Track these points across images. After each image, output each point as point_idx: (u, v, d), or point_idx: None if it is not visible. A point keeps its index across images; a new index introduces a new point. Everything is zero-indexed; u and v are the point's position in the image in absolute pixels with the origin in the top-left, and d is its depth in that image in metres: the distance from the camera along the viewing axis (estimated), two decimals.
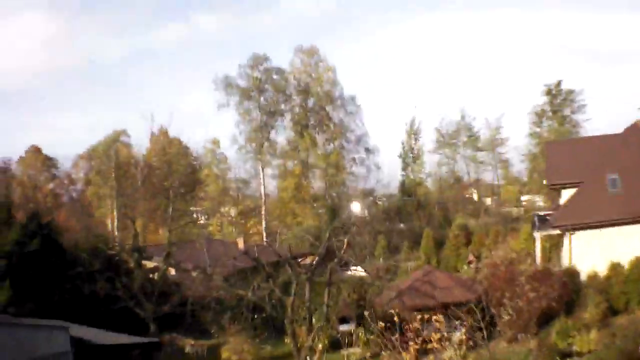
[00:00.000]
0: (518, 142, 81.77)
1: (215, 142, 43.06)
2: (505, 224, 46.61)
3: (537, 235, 28.99)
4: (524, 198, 64.82)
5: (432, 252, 36.17)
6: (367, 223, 38.08)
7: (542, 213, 32.03)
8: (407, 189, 55.29)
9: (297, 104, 45.98)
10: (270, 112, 42.03)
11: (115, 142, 45.42)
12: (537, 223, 32.08)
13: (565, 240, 25.42)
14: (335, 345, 18.36)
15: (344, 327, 19.21)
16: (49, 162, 57.55)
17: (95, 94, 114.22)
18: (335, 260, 17.44)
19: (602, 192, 25.40)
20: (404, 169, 56.02)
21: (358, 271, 36.80)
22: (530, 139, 52.50)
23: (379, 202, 70.33)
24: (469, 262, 34.91)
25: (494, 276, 18.98)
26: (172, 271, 26.09)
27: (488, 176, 59.42)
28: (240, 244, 29.53)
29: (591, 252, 23.41)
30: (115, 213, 42.92)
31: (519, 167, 58.88)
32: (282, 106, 43.69)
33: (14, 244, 19.90)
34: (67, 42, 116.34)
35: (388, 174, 69.47)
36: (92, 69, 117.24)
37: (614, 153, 27.17)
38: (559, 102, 51.63)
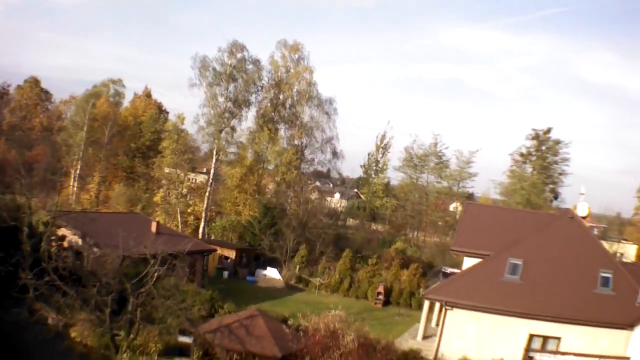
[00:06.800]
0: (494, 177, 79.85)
1: (181, 118, 43.81)
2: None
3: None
4: None
5: (347, 274, 36.42)
6: (294, 228, 38.37)
7: (448, 270, 31.37)
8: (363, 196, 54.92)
9: (267, 98, 45.67)
10: (237, 101, 41.97)
11: (94, 97, 46.71)
12: (441, 279, 31.38)
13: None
14: (169, 353, 19.68)
15: (183, 339, 20.15)
16: (44, 95, 59.87)
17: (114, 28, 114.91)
18: None
19: (499, 274, 22.93)
20: (364, 179, 55.70)
21: (271, 275, 37.91)
22: (507, 178, 50.81)
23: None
24: (378, 294, 34.99)
25: (312, 342, 17.68)
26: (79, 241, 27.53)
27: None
28: (153, 228, 30.61)
29: (465, 334, 21.59)
30: (79, 164, 44.97)
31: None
32: (252, 97, 43.59)
33: None
34: None
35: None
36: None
37: (531, 236, 24.54)
38: (545, 149, 49.54)
